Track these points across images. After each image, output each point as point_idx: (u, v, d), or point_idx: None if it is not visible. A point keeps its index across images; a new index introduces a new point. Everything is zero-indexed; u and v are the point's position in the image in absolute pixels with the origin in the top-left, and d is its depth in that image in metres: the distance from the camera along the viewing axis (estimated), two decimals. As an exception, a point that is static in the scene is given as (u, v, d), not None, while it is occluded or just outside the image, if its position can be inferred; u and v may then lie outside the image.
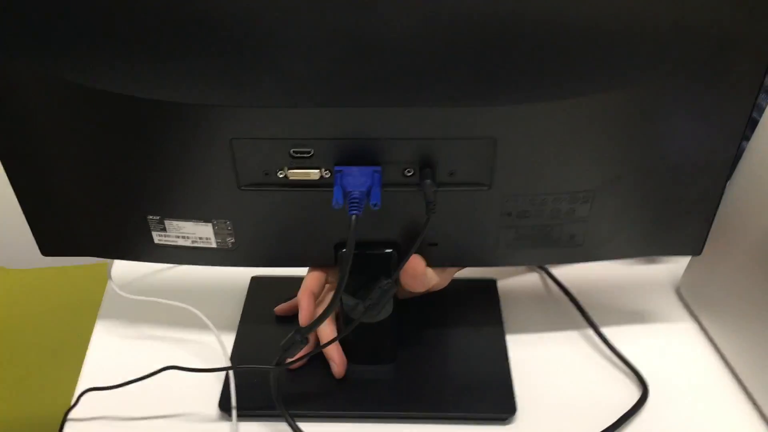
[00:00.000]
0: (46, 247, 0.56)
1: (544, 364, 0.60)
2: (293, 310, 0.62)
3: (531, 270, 0.71)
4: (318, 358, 0.57)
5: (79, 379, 0.59)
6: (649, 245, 0.56)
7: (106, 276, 0.65)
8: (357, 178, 0.47)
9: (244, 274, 0.69)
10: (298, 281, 0.58)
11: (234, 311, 0.65)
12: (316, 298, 0.57)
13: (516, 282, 0.69)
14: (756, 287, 0.55)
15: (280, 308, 0.64)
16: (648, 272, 0.70)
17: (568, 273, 0.69)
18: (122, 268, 0.70)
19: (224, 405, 0.55)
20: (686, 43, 0.44)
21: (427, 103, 0.45)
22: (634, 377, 0.59)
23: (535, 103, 0.45)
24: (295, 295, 0.62)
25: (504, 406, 0.55)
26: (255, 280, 0.68)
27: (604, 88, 0.45)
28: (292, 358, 0.53)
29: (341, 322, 0.57)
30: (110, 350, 0.62)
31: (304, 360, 0.56)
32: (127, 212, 0.52)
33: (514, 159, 0.48)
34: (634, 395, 0.57)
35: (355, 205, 0.46)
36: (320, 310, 0.57)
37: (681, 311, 0.65)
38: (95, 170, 0.50)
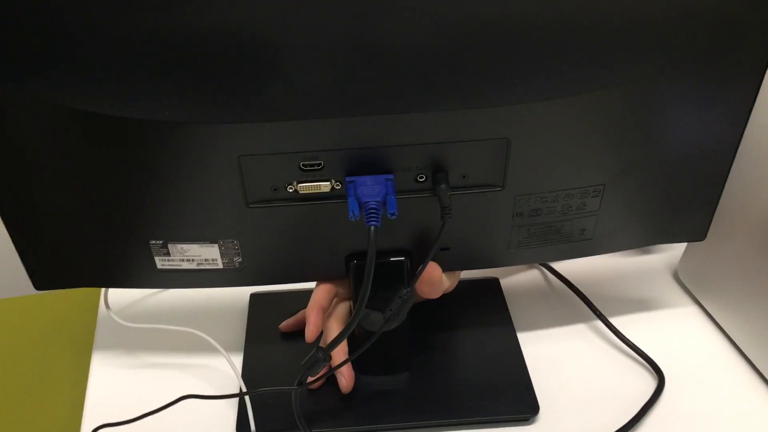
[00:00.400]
0: (40, 281, 0.53)
1: (558, 359, 0.60)
2: (299, 326, 0.61)
3: (531, 266, 0.71)
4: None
5: (83, 415, 0.56)
6: (655, 234, 0.56)
7: (94, 301, 0.62)
8: (370, 187, 0.46)
9: (242, 291, 0.67)
10: (298, 295, 0.56)
11: (236, 330, 0.63)
12: (325, 312, 0.56)
13: (517, 279, 0.69)
14: (755, 267, 0.56)
15: (285, 325, 0.62)
16: (644, 261, 0.71)
17: (566, 267, 0.69)
18: (113, 293, 0.67)
19: (242, 429, 0.53)
20: (692, 33, 0.44)
21: (438, 107, 0.44)
22: (647, 365, 0.59)
23: (547, 100, 0.45)
24: (298, 310, 0.61)
25: (527, 406, 0.55)
26: (255, 297, 0.66)
27: (614, 82, 0.45)
28: (313, 376, 0.51)
29: (353, 334, 0.56)
30: (112, 382, 0.59)
31: (324, 378, 0.55)
32: (129, 239, 0.50)
33: (527, 158, 0.47)
34: (650, 383, 0.58)
35: (373, 215, 0.45)
36: (330, 323, 0.55)
37: (682, 296, 0.66)
38: (94, 197, 0.48)
